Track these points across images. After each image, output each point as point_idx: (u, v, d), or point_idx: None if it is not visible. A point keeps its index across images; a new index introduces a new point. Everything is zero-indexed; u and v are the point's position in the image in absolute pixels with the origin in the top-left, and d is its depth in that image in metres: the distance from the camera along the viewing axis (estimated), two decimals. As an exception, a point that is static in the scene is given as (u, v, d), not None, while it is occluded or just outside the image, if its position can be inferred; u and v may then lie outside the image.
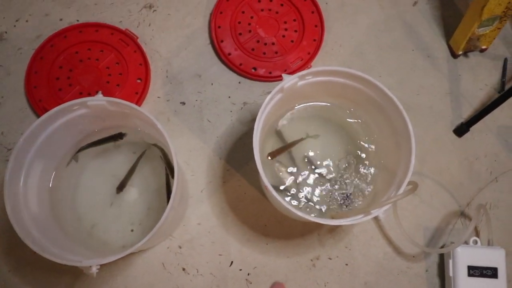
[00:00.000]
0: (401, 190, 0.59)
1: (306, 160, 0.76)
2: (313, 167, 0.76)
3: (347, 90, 0.68)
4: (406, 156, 0.62)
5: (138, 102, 0.85)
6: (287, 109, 0.76)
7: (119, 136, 0.74)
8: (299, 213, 0.57)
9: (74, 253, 0.59)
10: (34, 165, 0.64)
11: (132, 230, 0.73)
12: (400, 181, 0.61)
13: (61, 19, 0.91)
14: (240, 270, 0.77)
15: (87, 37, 0.88)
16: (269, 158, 0.75)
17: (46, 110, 0.63)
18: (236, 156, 0.84)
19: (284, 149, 0.76)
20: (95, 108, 0.63)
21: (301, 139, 0.76)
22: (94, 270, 0.57)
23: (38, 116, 0.84)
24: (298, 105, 0.77)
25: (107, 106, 0.63)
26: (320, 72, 0.65)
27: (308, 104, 0.77)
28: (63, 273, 0.76)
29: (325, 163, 0.76)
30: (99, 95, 0.63)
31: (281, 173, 0.75)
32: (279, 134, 0.77)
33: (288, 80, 0.63)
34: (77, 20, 0.91)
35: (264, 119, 0.65)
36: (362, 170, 0.75)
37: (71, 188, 0.73)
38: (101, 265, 0.75)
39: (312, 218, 0.58)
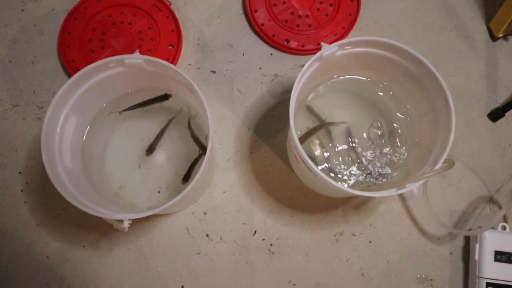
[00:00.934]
0: (437, 167, 0.58)
1: (342, 134, 0.75)
2: (349, 140, 0.74)
3: (385, 63, 0.67)
4: (445, 132, 0.60)
5: (169, 68, 0.85)
6: (321, 81, 0.75)
7: (165, 97, 0.74)
8: (332, 182, 0.57)
9: (105, 208, 0.60)
10: (69, 120, 0.64)
11: (159, 192, 0.74)
12: (436, 158, 0.60)
13: (95, -19, 0.91)
14: (263, 240, 0.78)
15: (121, 0, 0.88)
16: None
17: (78, 70, 0.64)
18: (265, 128, 0.83)
19: (311, 132, 0.74)
20: (131, 66, 0.63)
21: (330, 123, 0.75)
22: (126, 224, 0.57)
23: (70, 76, 0.84)
24: (333, 78, 0.75)
25: (144, 65, 0.63)
26: (359, 42, 0.64)
27: (343, 77, 0.76)
28: (90, 229, 0.77)
29: (356, 138, 0.75)
30: (137, 53, 0.63)
31: (313, 146, 0.74)
32: (309, 108, 0.76)
33: (328, 49, 0.62)
34: (112, -17, 0.90)
35: (299, 89, 0.64)
36: (395, 145, 0.73)
37: (101, 146, 0.74)
38: (131, 225, 0.77)
39: (344, 188, 0.57)
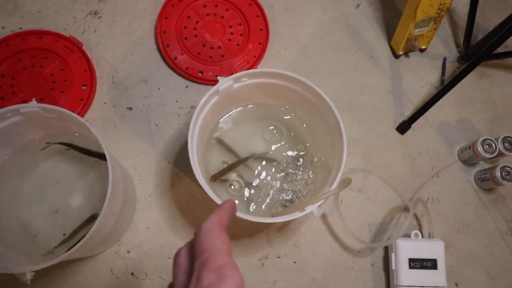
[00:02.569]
0: (333, 186, 0.61)
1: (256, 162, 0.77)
2: (263, 166, 0.77)
3: (284, 91, 0.70)
4: (339, 153, 0.64)
5: (84, 108, 0.85)
6: (226, 113, 0.77)
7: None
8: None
9: (7, 261, 0.58)
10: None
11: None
12: (334, 178, 0.63)
13: (3, 27, 0.90)
14: (189, 272, 0.78)
15: (31, 44, 0.88)
16: (212, 181, 0.75)
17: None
18: (185, 160, 0.84)
19: (228, 169, 0.76)
20: (29, 115, 0.63)
21: (246, 159, 0.77)
22: (28, 277, 0.56)
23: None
24: (237, 108, 0.78)
25: (42, 112, 0.63)
26: (254, 74, 0.66)
27: (250, 106, 0.78)
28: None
29: (268, 166, 0.77)
30: (33, 102, 0.62)
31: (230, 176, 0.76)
32: (219, 141, 0.78)
33: (223, 83, 0.64)
34: (20, 28, 0.90)
35: (202, 124, 0.66)
36: (304, 167, 0.76)
37: (12, 194, 0.72)
38: (46, 274, 0.75)
39: (246, 216, 0.59)
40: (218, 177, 0.75)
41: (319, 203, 0.61)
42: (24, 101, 0.84)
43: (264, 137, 0.79)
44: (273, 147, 0.78)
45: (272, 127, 0.79)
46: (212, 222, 0.35)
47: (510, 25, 0.71)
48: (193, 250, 0.34)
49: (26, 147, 0.73)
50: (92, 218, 0.73)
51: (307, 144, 0.78)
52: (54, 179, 0.76)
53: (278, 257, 0.80)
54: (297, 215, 0.61)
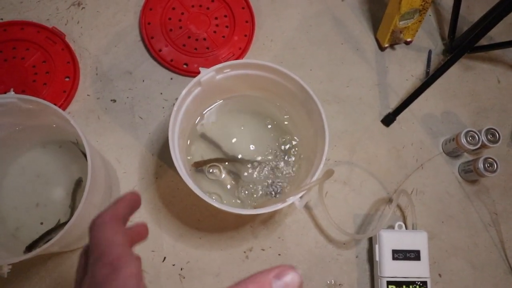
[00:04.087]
0: (314, 178, 0.61)
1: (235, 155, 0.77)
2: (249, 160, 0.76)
3: (266, 83, 0.70)
4: (321, 144, 0.64)
5: (67, 100, 0.83)
6: (210, 104, 0.76)
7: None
8: (215, 204, 0.58)
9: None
10: None
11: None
12: (316, 169, 0.63)
13: (-16, 18, 0.89)
14: (173, 265, 0.78)
15: (12, 35, 0.86)
16: (194, 167, 0.75)
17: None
18: (169, 152, 0.81)
19: (211, 160, 0.75)
20: (7, 106, 0.62)
21: (233, 160, 0.77)
22: (5, 270, 0.55)
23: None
24: (221, 99, 0.77)
25: (21, 103, 0.62)
26: (237, 65, 0.66)
27: (235, 96, 0.78)
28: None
29: (254, 155, 0.77)
30: (11, 93, 0.62)
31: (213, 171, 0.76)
32: (203, 135, 0.77)
33: (205, 74, 0.64)
34: (1, 19, 0.88)
35: (185, 116, 0.65)
36: (288, 160, 0.76)
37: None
38: (28, 268, 0.75)
39: (226, 208, 0.58)
40: (201, 166, 0.74)
41: (300, 195, 0.61)
42: (5, 93, 0.82)
43: (250, 131, 0.78)
44: (257, 141, 0.78)
45: (261, 121, 0.78)
46: (106, 216, 0.33)
47: (492, 17, 0.71)
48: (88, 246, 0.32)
49: (5, 140, 0.72)
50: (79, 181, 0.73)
51: (291, 136, 0.78)
52: (35, 172, 0.75)
53: (263, 250, 0.80)
54: (279, 206, 0.61)
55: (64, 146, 0.76)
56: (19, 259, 0.55)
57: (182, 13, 0.91)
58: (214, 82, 0.67)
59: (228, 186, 0.75)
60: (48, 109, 0.61)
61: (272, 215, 0.82)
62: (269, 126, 0.79)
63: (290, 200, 0.60)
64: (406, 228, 0.81)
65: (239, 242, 0.80)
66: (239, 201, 0.75)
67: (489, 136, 0.83)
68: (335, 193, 0.84)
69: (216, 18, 0.91)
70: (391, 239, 0.77)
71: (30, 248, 0.69)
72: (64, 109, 0.83)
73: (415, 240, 0.77)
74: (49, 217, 0.73)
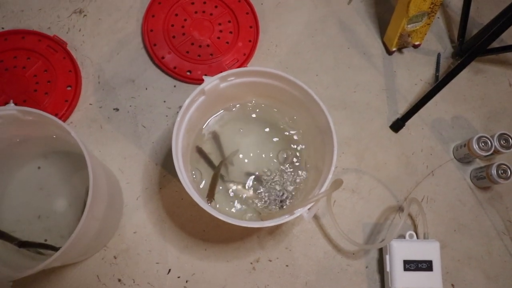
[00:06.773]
0: (323, 189, 0.59)
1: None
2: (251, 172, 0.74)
3: (273, 90, 0.68)
4: (330, 154, 0.61)
5: (68, 110, 0.82)
6: (214, 113, 0.75)
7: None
8: (220, 217, 0.56)
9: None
10: None
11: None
12: (324, 179, 0.60)
13: (-15, 27, 0.88)
14: (178, 277, 0.76)
15: (13, 44, 0.85)
16: (209, 202, 0.71)
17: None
18: (173, 161, 0.82)
19: (215, 182, 0.72)
20: (6, 118, 0.60)
21: (221, 163, 0.74)
22: (7, 287, 0.54)
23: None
24: (225, 108, 0.75)
25: (20, 115, 0.60)
26: (241, 73, 0.64)
27: (239, 105, 0.76)
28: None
29: (258, 166, 0.75)
30: (11, 105, 0.60)
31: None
32: (200, 150, 0.75)
33: (209, 82, 0.62)
34: (2, 28, 0.87)
35: (188, 125, 0.63)
36: (295, 168, 0.74)
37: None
38: (30, 283, 0.73)
39: (232, 220, 0.56)
40: (213, 194, 0.72)
41: (308, 206, 0.59)
42: (7, 103, 0.81)
43: (255, 139, 0.76)
44: (263, 150, 0.76)
45: (268, 129, 0.76)
46: None
47: (504, 19, 0.69)
48: None
49: (6, 151, 0.70)
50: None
51: (298, 144, 0.75)
52: (37, 184, 0.74)
53: (270, 261, 0.78)
54: (287, 218, 0.59)
55: (67, 156, 0.74)
56: (21, 275, 0.54)
57: (185, 20, 0.89)
58: (218, 91, 0.65)
59: (234, 194, 0.74)
60: (48, 121, 0.59)
61: (279, 225, 0.80)
62: (275, 138, 0.76)
63: (298, 212, 0.58)
64: (417, 237, 0.79)
65: (246, 253, 0.78)
66: (244, 207, 0.73)
67: (502, 142, 0.80)
68: (343, 201, 0.82)
69: (219, 24, 0.90)
70: (402, 249, 0.75)
71: (21, 245, 0.68)
72: (66, 119, 0.82)
73: (427, 250, 0.75)
74: (52, 228, 0.71)
